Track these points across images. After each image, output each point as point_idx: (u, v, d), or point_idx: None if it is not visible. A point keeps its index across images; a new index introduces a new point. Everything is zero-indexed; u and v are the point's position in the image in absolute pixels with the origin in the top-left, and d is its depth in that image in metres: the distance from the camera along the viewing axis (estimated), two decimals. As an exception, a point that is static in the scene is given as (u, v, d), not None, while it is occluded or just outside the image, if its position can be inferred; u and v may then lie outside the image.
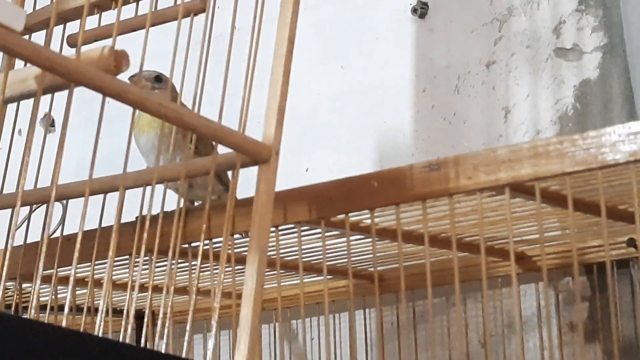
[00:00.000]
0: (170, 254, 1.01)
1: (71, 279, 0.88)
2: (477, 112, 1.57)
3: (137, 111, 1.26)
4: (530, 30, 1.54)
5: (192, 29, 1.00)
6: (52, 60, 0.76)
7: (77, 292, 1.19)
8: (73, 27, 1.11)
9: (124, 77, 0.85)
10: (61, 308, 1.19)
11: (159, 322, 0.97)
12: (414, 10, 1.65)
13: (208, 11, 1.01)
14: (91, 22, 1.07)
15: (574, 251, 0.97)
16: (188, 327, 0.94)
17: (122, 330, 1.00)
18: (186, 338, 0.96)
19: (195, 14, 1.01)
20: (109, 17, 1.08)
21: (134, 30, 1.02)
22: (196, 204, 1.30)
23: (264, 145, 0.96)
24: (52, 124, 1.86)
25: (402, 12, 1.66)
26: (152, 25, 1.00)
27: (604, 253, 1.26)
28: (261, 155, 0.96)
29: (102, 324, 0.93)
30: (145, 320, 1.06)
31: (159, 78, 1.28)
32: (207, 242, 1.10)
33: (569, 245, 1.31)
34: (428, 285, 1.01)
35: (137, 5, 1.08)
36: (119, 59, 0.80)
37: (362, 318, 1.55)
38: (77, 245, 0.87)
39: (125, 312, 1.01)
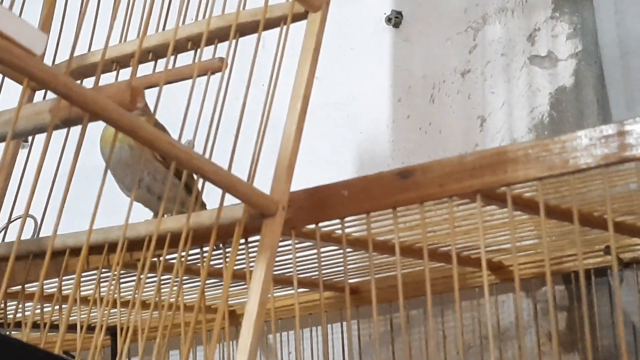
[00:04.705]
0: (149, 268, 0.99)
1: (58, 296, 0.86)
2: (452, 121, 1.55)
3: (104, 124, 1.25)
4: (505, 38, 1.53)
5: (208, 87, 0.99)
6: (69, 87, 0.74)
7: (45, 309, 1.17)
8: (91, 84, 1.09)
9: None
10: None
11: (136, 338, 0.95)
12: (389, 20, 1.64)
13: (224, 70, 1.00)
14: (110, 79, 1.05)
15: (546, 260, 0.95)
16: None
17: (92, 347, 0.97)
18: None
19: (213, 73, 1.00)
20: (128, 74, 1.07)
21: (152, 87, 1.00)
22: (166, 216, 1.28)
23: (272, 199, 0.95)
24: (25, 139, 1.84)
25: (377, 23, 1.65)
26: (170, 82, 1.00)
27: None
28: (268, 209, 0.95)
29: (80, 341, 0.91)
30: (123, 336, 1.04)
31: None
32: (175, 254, 1.08)
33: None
34: (400, 296, 0.99)
35: (156, 62, 1.09)
36: (135, 94, 0.79)
37: (339, 331, 1.53)
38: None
39: (97, 327, 0.99)
